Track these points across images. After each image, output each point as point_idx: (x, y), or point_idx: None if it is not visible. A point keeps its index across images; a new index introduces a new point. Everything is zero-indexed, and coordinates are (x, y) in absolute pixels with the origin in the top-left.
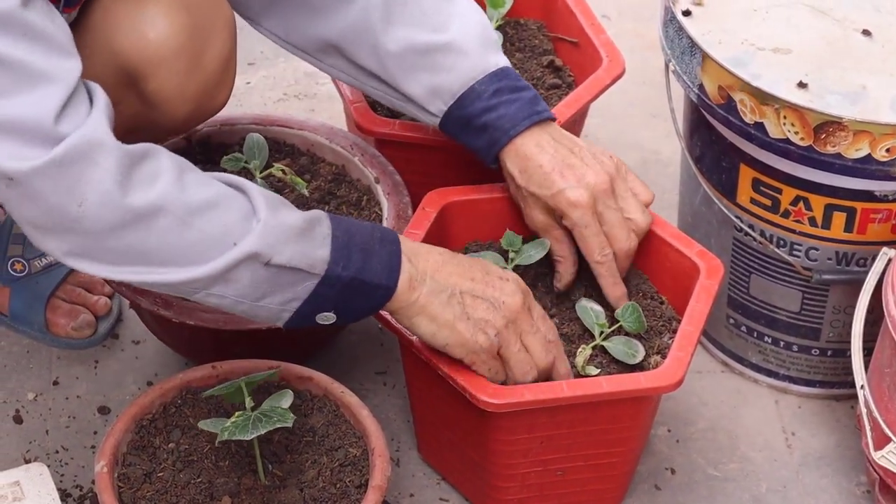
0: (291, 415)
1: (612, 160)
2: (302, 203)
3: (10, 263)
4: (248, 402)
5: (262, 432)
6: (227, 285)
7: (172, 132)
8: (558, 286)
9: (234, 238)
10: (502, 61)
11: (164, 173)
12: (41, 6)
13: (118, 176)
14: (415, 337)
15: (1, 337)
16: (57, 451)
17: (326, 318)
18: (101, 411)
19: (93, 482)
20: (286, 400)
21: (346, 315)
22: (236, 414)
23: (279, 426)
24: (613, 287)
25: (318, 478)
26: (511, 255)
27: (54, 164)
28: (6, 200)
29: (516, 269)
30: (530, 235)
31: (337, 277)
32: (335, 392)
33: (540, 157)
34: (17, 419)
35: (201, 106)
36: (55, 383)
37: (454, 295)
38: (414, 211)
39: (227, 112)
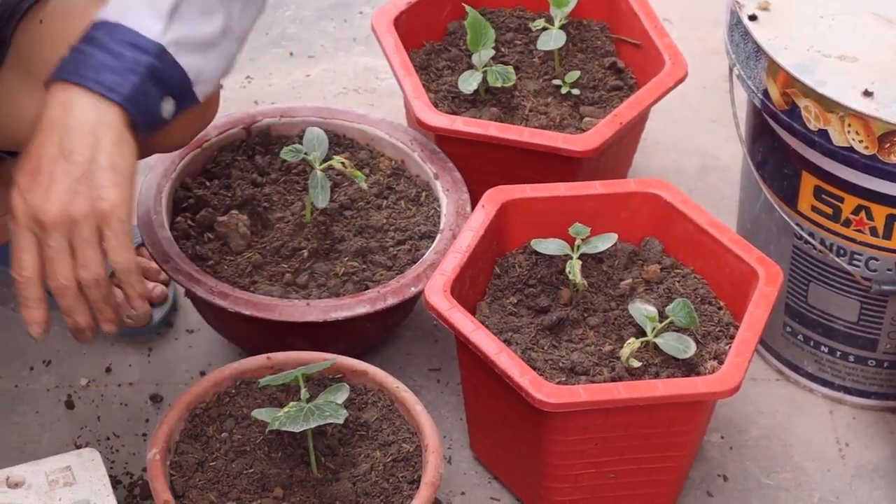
0: (344, 411)
1: (102, 202)
2: (361, 197)
3: None
4: (304, 394)
5: (313, 426)
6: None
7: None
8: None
9: None
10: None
11: None
12: None
13: None
14: (474, 333)
15: (56, 322)
16: (108, 438)
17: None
18: (153, 399)
19: (143, 470)
20: (341, 395)
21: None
22: (290, 404)
23: (331, 421)
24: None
25: (371, 472)
26: (578, 243)
27: None
28: None
29: (582, 257)
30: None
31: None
32: (390, 387)
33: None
34: (69, 404)
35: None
36: (108, 370)
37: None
38: (473, 208)
39: (287, 103)
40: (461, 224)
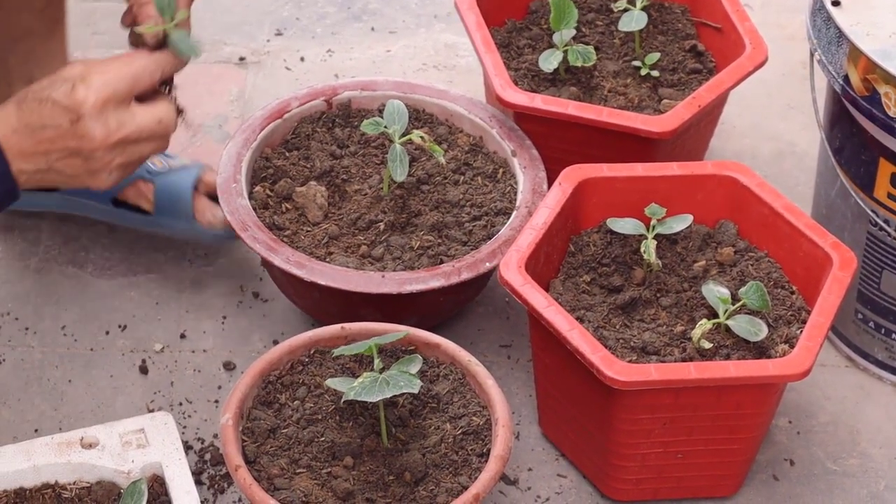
0: (418, 381)
1: None
2: (438, 172)
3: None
4: (378, 364)
5: (388, 396)
6: None
7: None
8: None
9: None
10: None
11: None
12: None
13: None
14: (547, 309)
15: (132, 287)
16: (181, 404)
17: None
18: (226, 367)
19: (215, 436)
20: (415, 365)
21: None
22: (364, 374)
23: (405, 391)
24: None
25: (441, 444)
26: (653, 223)
27: None
28: None
29: (657, 237)
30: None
31: None
32: (462, 360)
33: None
34: (143, 369)
35: None
36: (182, 336)
37: (49, 169)
38: (550, 186)
39: (368, 77)
40: (537, 201)
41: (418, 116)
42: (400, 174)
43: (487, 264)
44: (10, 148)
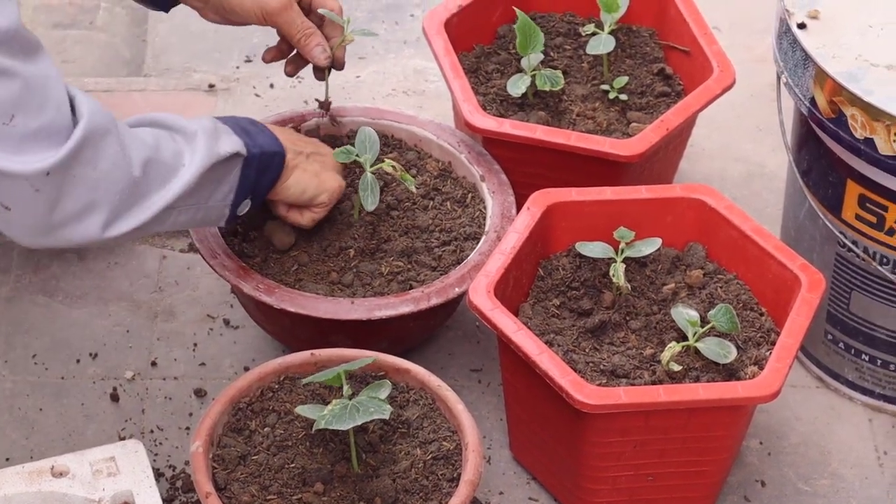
0: (388, 406)
1: None
2: (407, 198)
3: None
4: (347, 391)
5: (359, 423)
6: (191, 196)
7: None
8: (325, 59)
9: (184, 158)
10: None
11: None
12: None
13: (120, 145)
14: (517, 334)
15: (102, 317)
16: (152, 431)
17: (245, 205)
18: (197, 394)
19: (186, 463)
20: (384, 391)
21: (258, 195)
22: (334, 402)
23: (376, 417)
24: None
25: (411, 469)
26: (622, 246)
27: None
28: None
29: (626, 260)
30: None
31: (252, 156)
32: (432, 385)
33: None
34: (115, 397)
35: None
36: (153, 364)
37: (305, 153)
38: (518, 210)
39: (337, 103)
40: (506, 226)
41: (387, 142)
42: (371, 203)
43: (457, 289)
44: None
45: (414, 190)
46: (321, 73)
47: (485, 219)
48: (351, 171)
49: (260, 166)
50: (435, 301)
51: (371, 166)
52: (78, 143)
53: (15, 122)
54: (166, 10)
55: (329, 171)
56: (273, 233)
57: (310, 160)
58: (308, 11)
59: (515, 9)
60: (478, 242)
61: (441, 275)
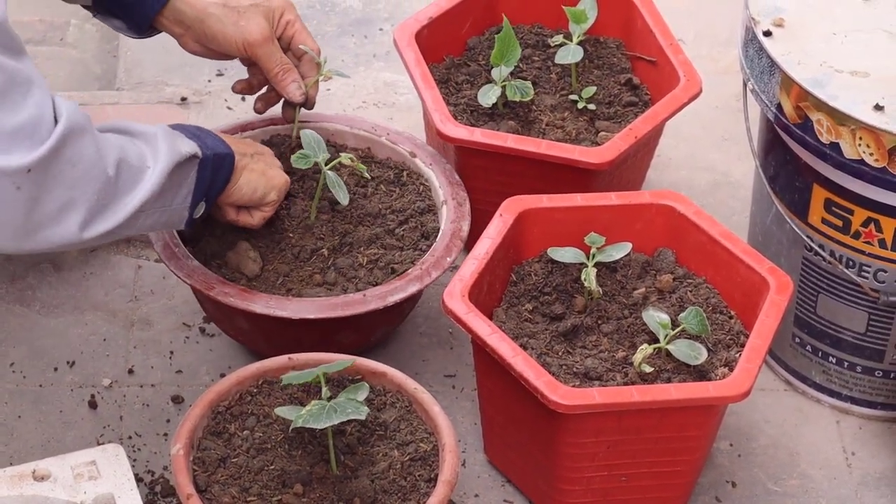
0: (365, 407)
1: None
2: (363, 185)
3: None
4: (325, 392)
5: (336, 423)
6: (158, 198)
7: None
8: (299, 96)
9: (147, 160)
10: None
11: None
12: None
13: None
14: (491, 337)
15: (79, 326)
16: (130, 437)
17: (200, 208)
18: (174, 400)
19: (165, 468)
20: (362, 393)
21: (211, 196)
22: (312, 402)
23: (353, 418)
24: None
25: (389, 470)
26: (593, 251)
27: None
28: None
29: (597, 265)
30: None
31: (206, 157)
32: (408, 388)
33: None
34: (93, 404)
35: None
36: (130, 371)
37: (249, 154)
38: (476, 217)
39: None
40: (459, 192)
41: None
42: (343, 197)
43: (448, 259)
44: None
45: (368, 177)
46: (290, 112)
47: (430, 191)
48: (296, 175)
49: (213, 167)
50: (435, 274)
51: (326, 164)
52: (59, 140)
53: None
54: (147, 37)
55: (274, 169)
56: (239, 261)
57: (255, 160)
58: (285, 49)
59: (504, 16)
60: (434, 215)
61: (413, 251)
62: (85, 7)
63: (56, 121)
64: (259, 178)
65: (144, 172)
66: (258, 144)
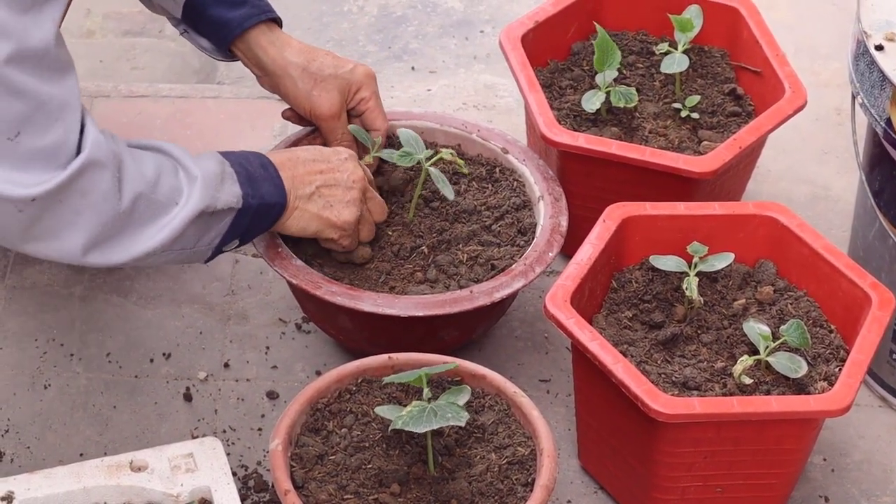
0: (466, 413)
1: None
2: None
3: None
4: (427, 393)
5: (435, 427)
6: (177, 241)
7: None
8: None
9: (180, 198)
10: None
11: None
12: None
13: (114, 180)
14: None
15: (175, 318)
16: (224, 431)
17: (231, 245)
18: (269, 396)
19: (258, 463)
20: (463, 396)
21: (247, 238)
22: (413, 404)
23: (452, 424)
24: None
25: (487, 473)
26: (695, 260)
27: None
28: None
29: (699, 275)
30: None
31: (249, 207)
32: (508, 391)
33: (311, 47)
34: (187, 397)
35: None
36: (226, 366)
37: (313, 192)
38: (574, 223)
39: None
40: (555, 188)
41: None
42: (450, 193)
43: (550, 254)
44: (282, 168)
45: (467, 172)
46: None
47: (524, 186)
48: (380, 171)
49: (255, 215)
50: (539, 270)
51: (427, 161)
52: (74, 173)
53: (20, 139)
54: (231, 61)
55: (338, 206)
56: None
57: (311, 201)
58: (358, 116)
59: (596, 24)
60: (530, 210)
61: (510, 247)
62: (173, 24)
63: (79, 150)
64: (311, 219)
65: (170, 210)
66: (335, 169)
